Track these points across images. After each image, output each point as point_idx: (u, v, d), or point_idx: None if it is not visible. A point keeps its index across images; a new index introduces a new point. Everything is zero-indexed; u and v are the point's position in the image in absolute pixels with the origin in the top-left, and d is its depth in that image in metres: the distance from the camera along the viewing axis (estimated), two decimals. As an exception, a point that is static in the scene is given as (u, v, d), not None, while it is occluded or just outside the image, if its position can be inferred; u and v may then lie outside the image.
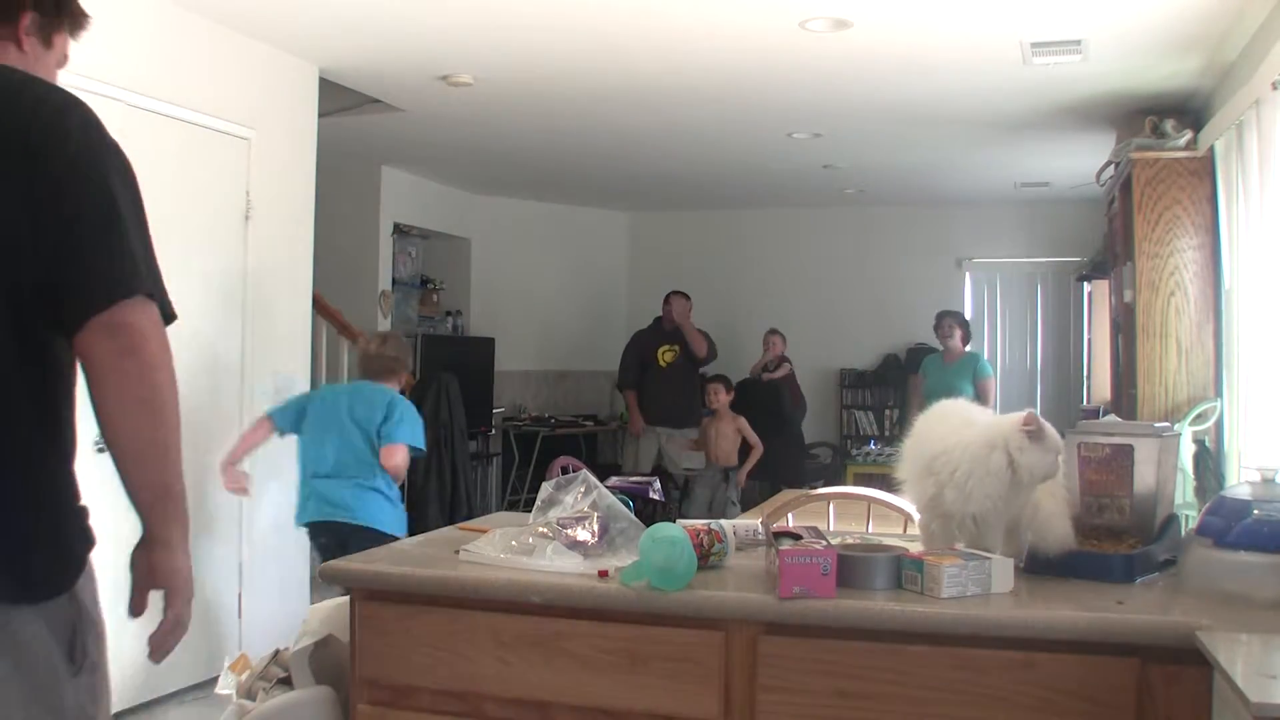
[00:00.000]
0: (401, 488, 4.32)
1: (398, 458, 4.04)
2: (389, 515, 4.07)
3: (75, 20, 1.67)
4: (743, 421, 6.92)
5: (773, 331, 8.57)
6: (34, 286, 1.37)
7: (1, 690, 1.36)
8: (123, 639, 3.78)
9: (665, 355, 7.85)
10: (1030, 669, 1.75)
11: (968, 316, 9.14)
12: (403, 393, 4.37)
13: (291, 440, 4.27)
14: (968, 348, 7.27)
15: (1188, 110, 5.47)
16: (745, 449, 6.93)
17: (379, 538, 3.72)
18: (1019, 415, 1.94)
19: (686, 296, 8.07)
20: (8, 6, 1.57)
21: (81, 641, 1.45)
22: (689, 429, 7.69)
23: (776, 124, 6.44)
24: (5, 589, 1.37)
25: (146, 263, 1.45)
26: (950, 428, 2.03)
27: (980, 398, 6.83)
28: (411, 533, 3.81)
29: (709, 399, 6.99)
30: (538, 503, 2.22)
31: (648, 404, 7.81)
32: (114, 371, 1.40)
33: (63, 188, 1.38)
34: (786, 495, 4.68)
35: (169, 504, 1.49)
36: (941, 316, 7.27)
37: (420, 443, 4.16)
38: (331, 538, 4.04)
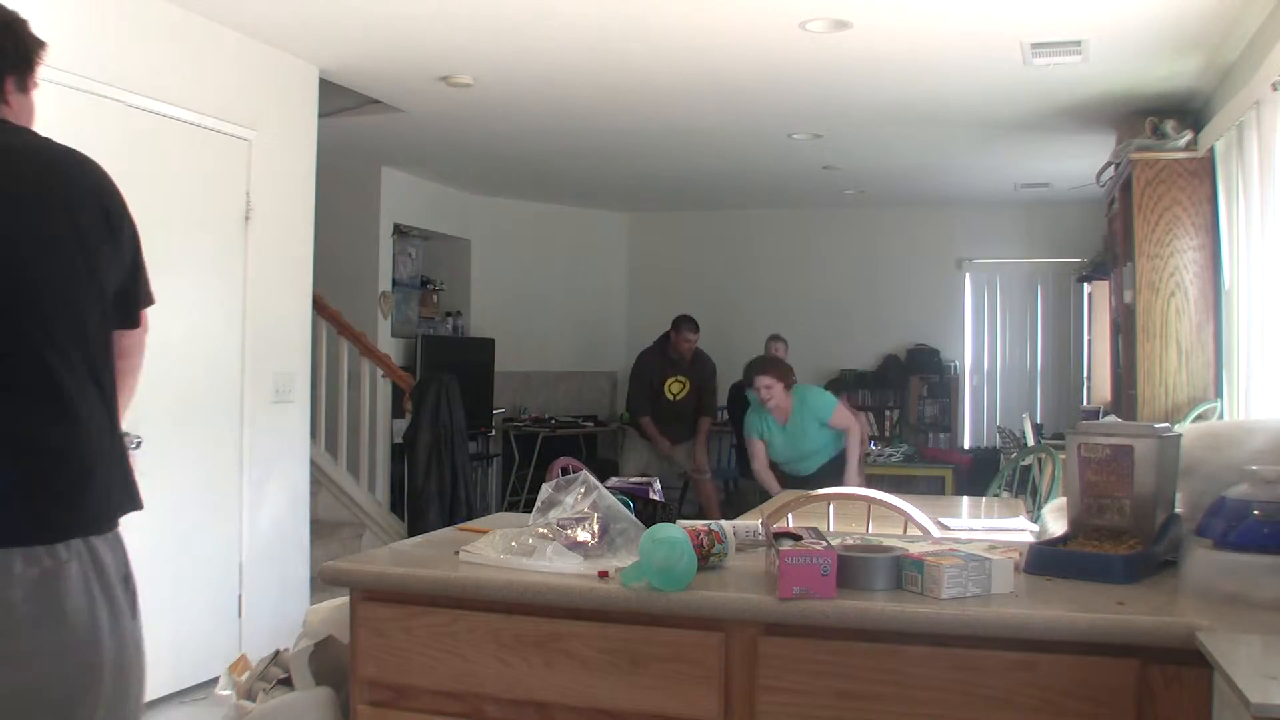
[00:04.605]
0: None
1: None
2: None
3: (39, 62, 1.94)
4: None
5: (773, 338, 8.43)
6: (117, 295, 1.88)
7: (88, 591, 1.71)
8: (123, 639, 3.74)
9: (672, 387, 7.84)
10: (1030, 670, 1.75)
11: (967, 317, 9.18)
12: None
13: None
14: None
15: (1188, 111, 5.47)
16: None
17: None
18: None
19: (695, 327, 7.78)
20: None
21: (133, 585, 1.82)
22: (687, 442, 7.86)
23: (776, 125, 6.44)
24: (99, 523, 1.77)
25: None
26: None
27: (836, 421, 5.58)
28: (412, 533, 3.96)
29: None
30: (538, 504, 2.22)
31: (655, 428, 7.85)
32: (140, 348, 1.98)
33: (129, 234, 1.88)
34: (786, 496, 4.67)
35: None
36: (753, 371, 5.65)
37: None
38: None
